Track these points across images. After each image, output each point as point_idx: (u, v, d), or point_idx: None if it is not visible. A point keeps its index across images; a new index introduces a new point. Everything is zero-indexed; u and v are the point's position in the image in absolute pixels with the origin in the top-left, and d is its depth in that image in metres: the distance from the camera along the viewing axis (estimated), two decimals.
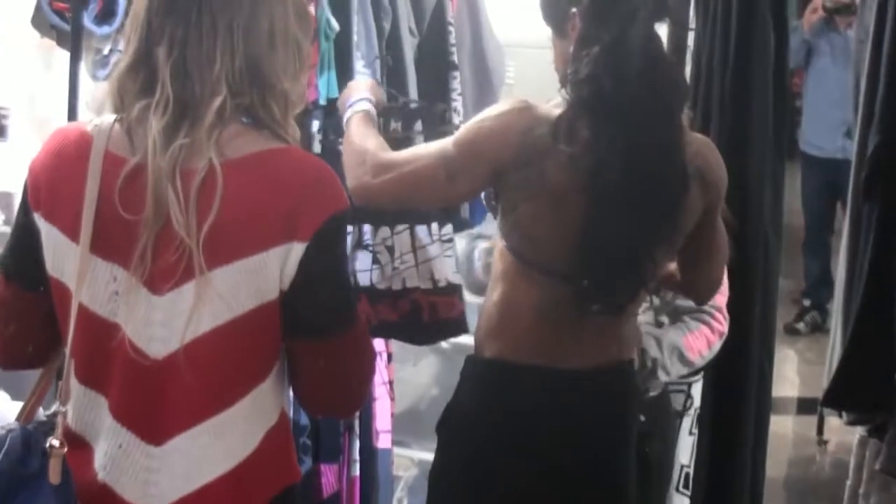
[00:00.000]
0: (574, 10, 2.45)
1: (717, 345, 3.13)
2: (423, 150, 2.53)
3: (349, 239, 3.05)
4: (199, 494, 1.97)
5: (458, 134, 2.50)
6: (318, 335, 2.00)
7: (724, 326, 3.14)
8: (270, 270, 1.93)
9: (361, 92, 2.76)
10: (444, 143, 2.49)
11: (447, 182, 2.44)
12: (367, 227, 3.21)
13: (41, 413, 2.09)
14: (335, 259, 2.02)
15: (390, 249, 3.20)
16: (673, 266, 2.71)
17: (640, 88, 2.34)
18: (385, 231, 3.20)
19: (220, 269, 1.91)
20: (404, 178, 2.46)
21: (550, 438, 2.47)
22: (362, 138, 2.59)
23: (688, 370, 3.09)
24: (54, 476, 1.93)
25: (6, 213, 3.91)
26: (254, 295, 1.93)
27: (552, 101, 2.45)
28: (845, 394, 2.36)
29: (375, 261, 3.21)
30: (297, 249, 1.93)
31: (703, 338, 3.09)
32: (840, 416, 2.89)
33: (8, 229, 2.14)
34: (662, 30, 2.63)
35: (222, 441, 1.97)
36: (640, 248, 2.40)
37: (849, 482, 2.43)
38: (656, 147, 2.37)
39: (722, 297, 3.11)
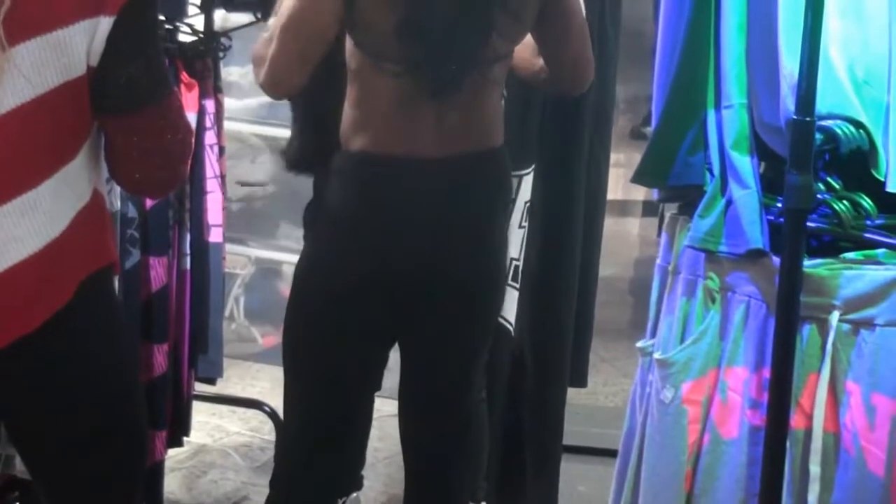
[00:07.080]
0: None
1: None
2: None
3: None
4: (6, 276, 1.95)
5: None
6: (130, 110, 1.99)
7: None
8: (76, 46, 1.90)
9: None
10: None
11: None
12: None
13: None
14: (145, 32, 2.00)
15: None
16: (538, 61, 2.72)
17: None
18: None
19: (22, 44, 1.86)
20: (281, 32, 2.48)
21: (414, 225, 2.51)
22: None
23: None
24: None
25: None
26: (59, 71, 1.90)
27: None
28: (654, 170, 2.39)
29: None
30: (105, 23, 1.90)
31: None
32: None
33: None
34: None
35: (29, 221, 1.95)
36: (458, 27, 2.40)
37: (658, 261, 2.47)
38: None
39: None
